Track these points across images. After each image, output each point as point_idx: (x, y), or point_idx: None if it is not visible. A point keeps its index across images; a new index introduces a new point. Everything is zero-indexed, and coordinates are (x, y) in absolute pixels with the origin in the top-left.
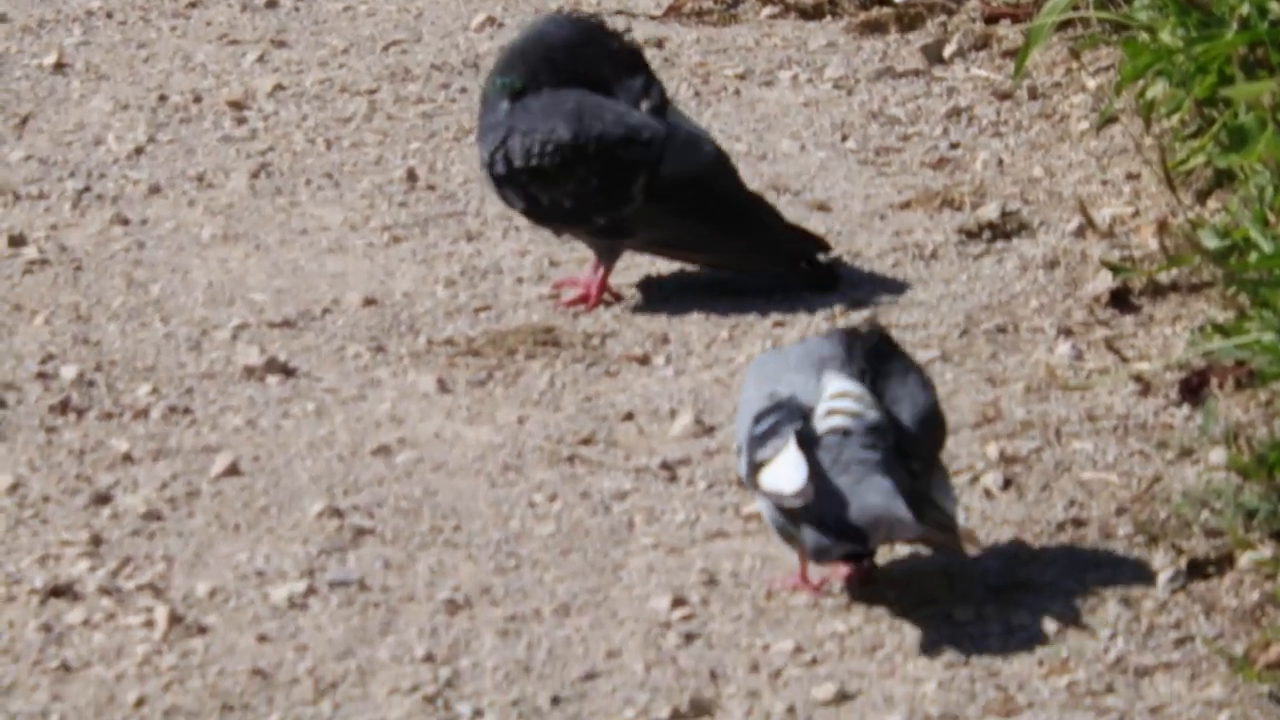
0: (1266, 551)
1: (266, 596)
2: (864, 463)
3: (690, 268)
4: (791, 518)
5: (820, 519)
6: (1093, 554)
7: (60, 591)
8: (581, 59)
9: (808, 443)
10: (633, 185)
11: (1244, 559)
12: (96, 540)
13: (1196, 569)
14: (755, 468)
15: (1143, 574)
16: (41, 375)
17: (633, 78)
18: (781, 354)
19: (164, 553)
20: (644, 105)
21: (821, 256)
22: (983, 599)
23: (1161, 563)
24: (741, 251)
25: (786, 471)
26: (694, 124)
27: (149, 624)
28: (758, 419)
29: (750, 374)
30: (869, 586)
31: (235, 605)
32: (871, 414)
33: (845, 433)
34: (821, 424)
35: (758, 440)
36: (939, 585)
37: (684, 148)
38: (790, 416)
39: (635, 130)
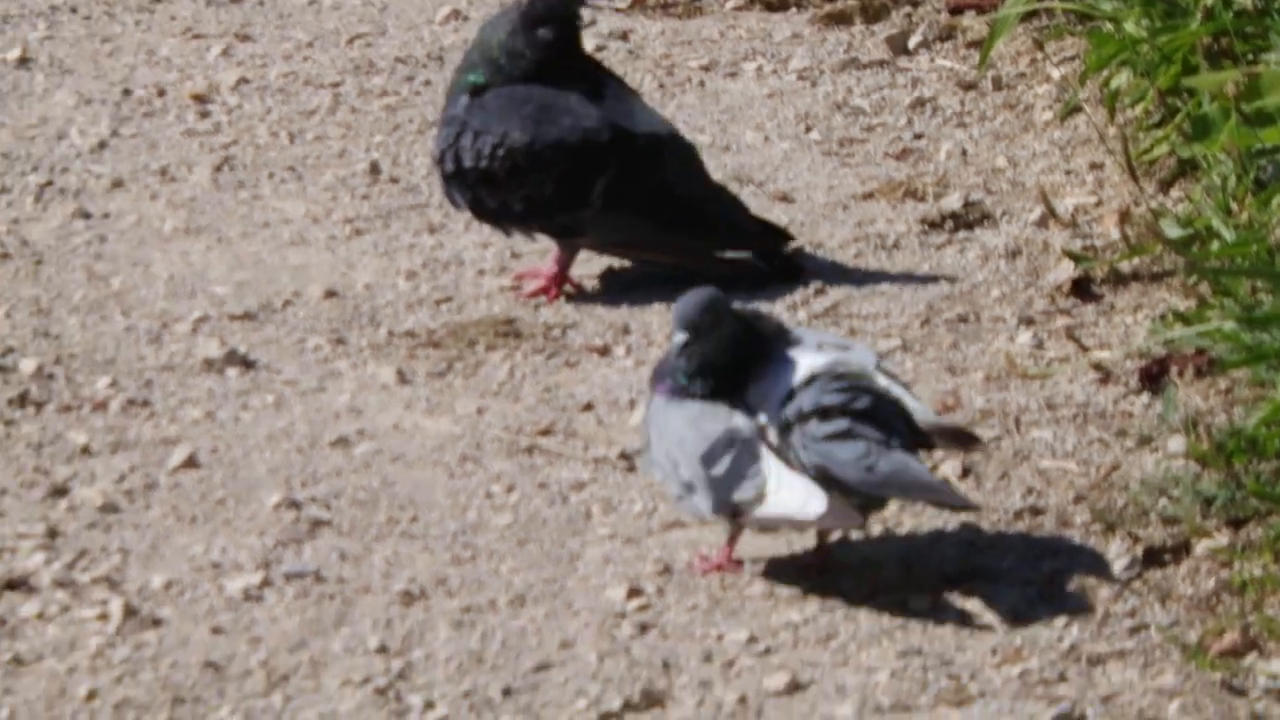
0: (1223, 539)
1: (222, 589)
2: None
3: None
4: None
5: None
6: (1050, 542)
7: (15, 585)
8: (542, 53)
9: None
10: (591, 191)
11: (1200, 547)
12: (53, 533)
13: (1153, 557)
14: (731, 503)
15: (1099, 562)
16: (0, 368)
17: (593, 71)
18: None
19: (120, 545)
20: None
21: (785, 248)
22: (938, 587)
23: (1118, 551)
24: (703, 250)
25: (796, 497)
26: (658, 118)
27: (103, 617)
28: (708, 458)
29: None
30: (826, 575)
31: (190, 598)
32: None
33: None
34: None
35: (724, 480)
36: (895, 574)
37: (645, 150)
38: (750, 445)
39: (593, 135)
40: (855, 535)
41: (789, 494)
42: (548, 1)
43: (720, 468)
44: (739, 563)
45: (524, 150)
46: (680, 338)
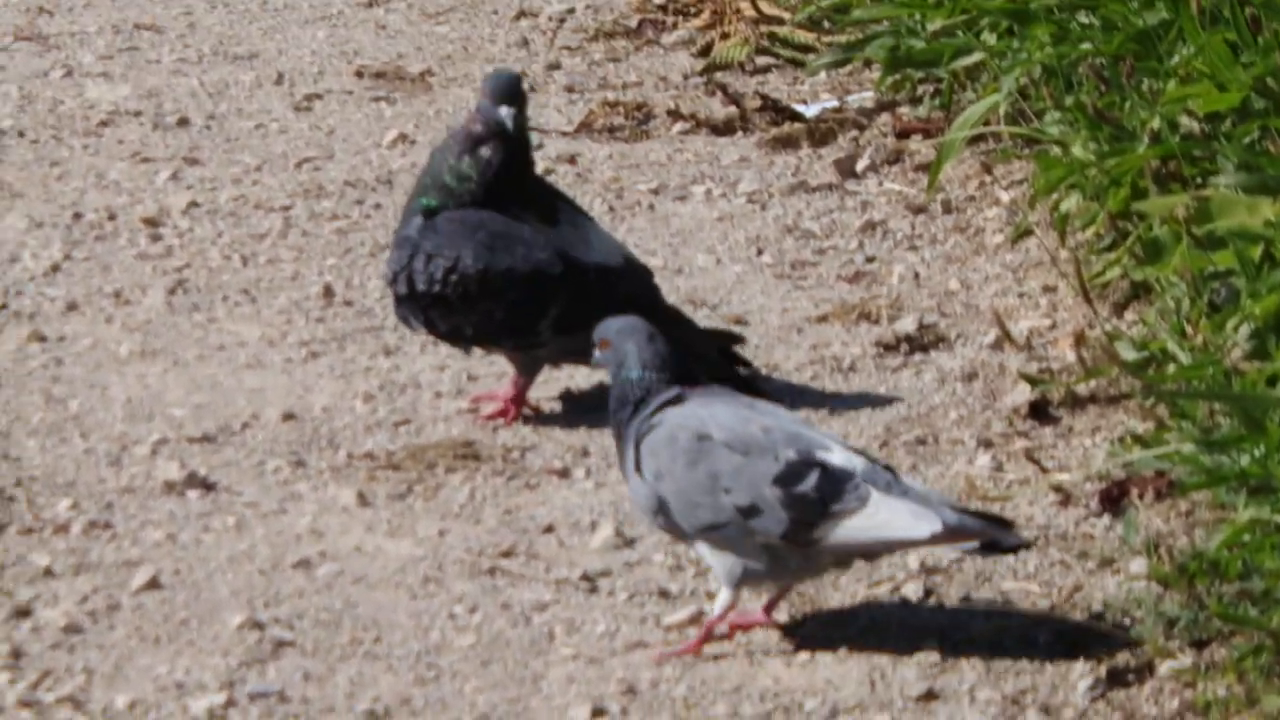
0: (1186, 660)
1: (186, 709)
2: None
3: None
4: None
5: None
6: (1013, 663)
7: None
8: (488, 174)
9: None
10: (540, 322)
11: (1164, 668)
12: (16, 654)
13: (1116, 677)
14: (808, 524)
15: (1063, 683)
16: None
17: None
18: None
19: (84, 665)
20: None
21: (741, 370)
22: (902, 707)
23: (1081, 672)
24: None
25: (904, 520)
26: (612, 243)
27: None
28: (788, 480)
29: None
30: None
31: (155, 717)
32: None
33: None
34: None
35: (808, 498)
36: (857, 693)
37: (596, 281)
38: (843, 474)
39: (544, 267)
40: (821, 654)
41: (894, 514)
42: (488, 123)
43: (804, 486)
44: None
45: (476, 277)
46: None
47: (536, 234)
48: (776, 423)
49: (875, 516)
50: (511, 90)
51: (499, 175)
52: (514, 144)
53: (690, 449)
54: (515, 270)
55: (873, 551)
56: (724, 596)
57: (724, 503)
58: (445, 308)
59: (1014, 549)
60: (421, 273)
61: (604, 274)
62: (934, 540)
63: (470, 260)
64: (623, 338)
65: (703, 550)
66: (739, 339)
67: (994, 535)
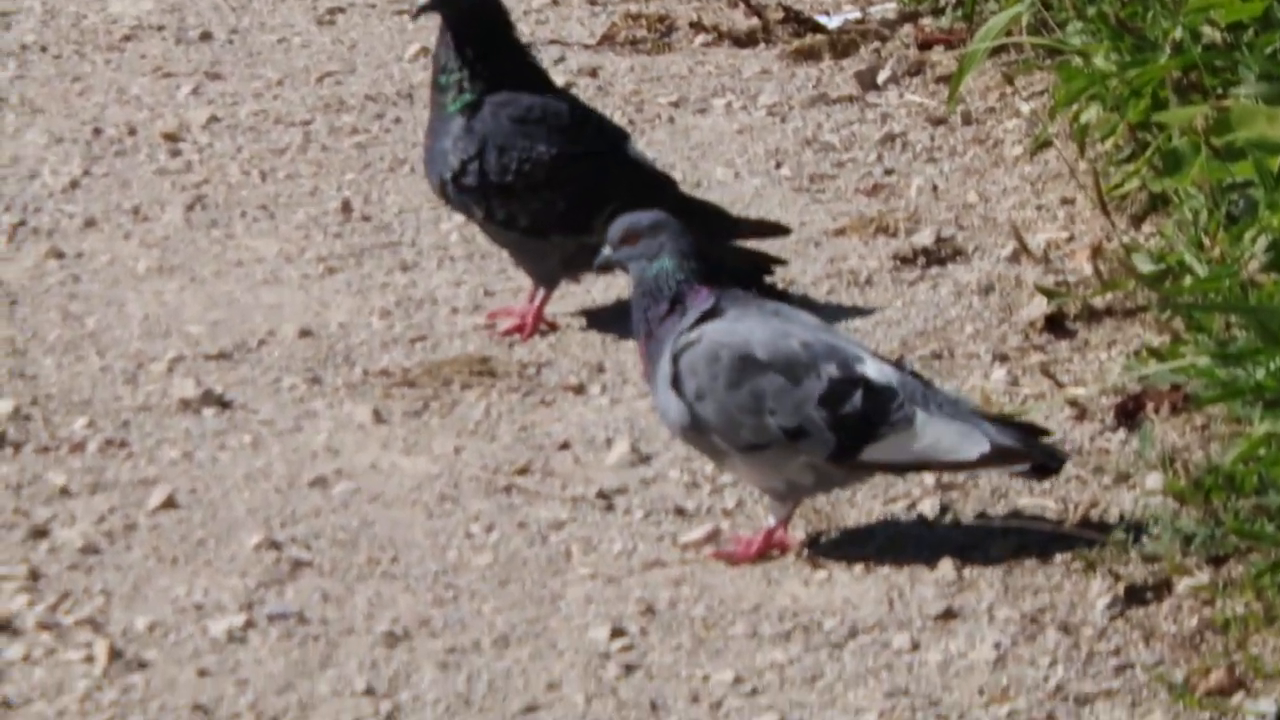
0: (1204, 577)
1: (205, 630)
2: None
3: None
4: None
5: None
6: (1030, 580)
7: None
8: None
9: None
10: (596, 215)
11: (1182, 584)
12: (34, 575)
13: (1134, 595)
14: (856, 445)
15: (1081, 600)
16: None
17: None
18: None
19: (102, 587)
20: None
21: (766, 279)
22: (920, 626)
23: (1099, 589)
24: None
25: (951, 440)
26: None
27: (89, 659)
28: (833, 400)
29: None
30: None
31: (174, 640)
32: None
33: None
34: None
35: (854, 418)
36: (875, 613)
37: (651, 178)
38: (886, 391)
39: (610, 158)
40: (839, 573)
41: (941, 435)
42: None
43: (850, 406)
44: (789, 544)
45: (548, 164)
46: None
47: (589, 115)
48: (813, 335)
49: (922, 437)
50: None
51: (475, 56)
52: (460, 23)
53: (732, 368)
54: (583, 160)
55: (918, 470)
56: (777, 510)
57: (769, 424)
58: (507, 195)
59: (1060, 467)
60: (494, 164)
61: (655, 175)
62: (983, 462)
63: (544, 148)
64: (655, 230)
65: (743, 467)
66: (780, 261)
67: (1041, 457)
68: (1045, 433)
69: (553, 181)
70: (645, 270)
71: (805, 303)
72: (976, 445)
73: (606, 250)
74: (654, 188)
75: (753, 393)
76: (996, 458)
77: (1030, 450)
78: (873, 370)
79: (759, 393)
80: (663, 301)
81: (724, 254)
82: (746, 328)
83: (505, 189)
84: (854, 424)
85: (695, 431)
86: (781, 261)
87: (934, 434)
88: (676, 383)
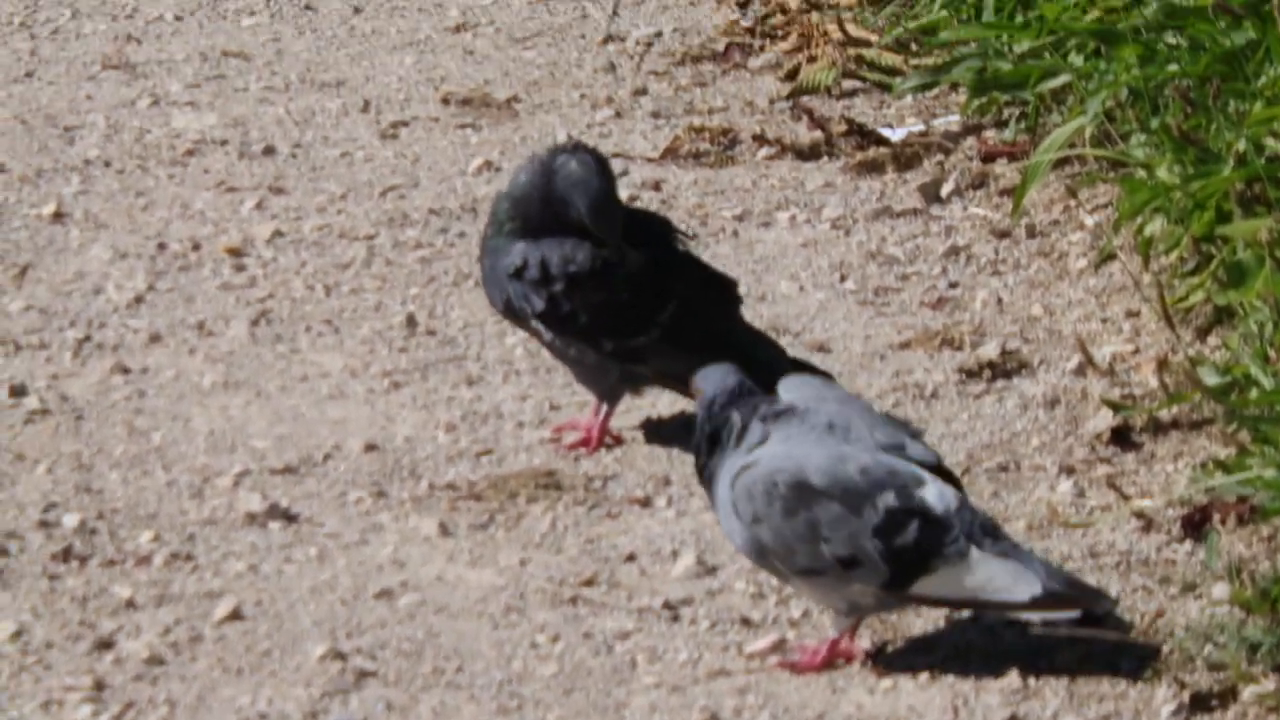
0: (1270, 685)
1: None
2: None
3: (691, 406)
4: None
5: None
6: (1095, 688)
7: None
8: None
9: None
10: (657, 314)
11: (1247, 693)
12: (99, 685)
13: (1200, 703)
14: (908, 578)
15: (1146, 708)
16: (44, 524)
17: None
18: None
19: (167, 697)
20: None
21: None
22: None
23: (1164, 697)
24: None
25: (1003, 581)
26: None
27: None
28: (888, 531)
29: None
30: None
31: None
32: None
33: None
34: (943, 500)
35: (908, 551)
36: None
37: (710, 283)
38: (942, 523)
39: (666, 260)
40: (904, 681)
41: (994, 574)
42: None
43: (904, 539)
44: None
45: (612, 257)
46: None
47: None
48: (871, 459)
49: (975, 575)
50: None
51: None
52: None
53: (788, 496)
54: (643, 260)
55: (970, 608)
56: (841, 622)
57: (823, 551)
58: (571, 285)
59: (1106, 616)
60: (557, 258)
61: (714, 278)
62: (1033, 604)
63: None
64: (709, 380)
65: (804, 589)
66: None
67: (1091, 604)
68: (1099, 593)
69: (615, 272)
70: (701, 424)
71: None
72: (1029, 587)
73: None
74: (714, 287)
75: (808, 521)
76: (1048, 600)
77: (1082, 596)
78: (932, 496)
79: (814, 521)
80: (717, 444)
81: (779, 363)
82: (803, 451)
83: (570, 278)
84: (907, 556)
85: (758, 555)
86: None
87: (987, 572)
88: (735, 508)
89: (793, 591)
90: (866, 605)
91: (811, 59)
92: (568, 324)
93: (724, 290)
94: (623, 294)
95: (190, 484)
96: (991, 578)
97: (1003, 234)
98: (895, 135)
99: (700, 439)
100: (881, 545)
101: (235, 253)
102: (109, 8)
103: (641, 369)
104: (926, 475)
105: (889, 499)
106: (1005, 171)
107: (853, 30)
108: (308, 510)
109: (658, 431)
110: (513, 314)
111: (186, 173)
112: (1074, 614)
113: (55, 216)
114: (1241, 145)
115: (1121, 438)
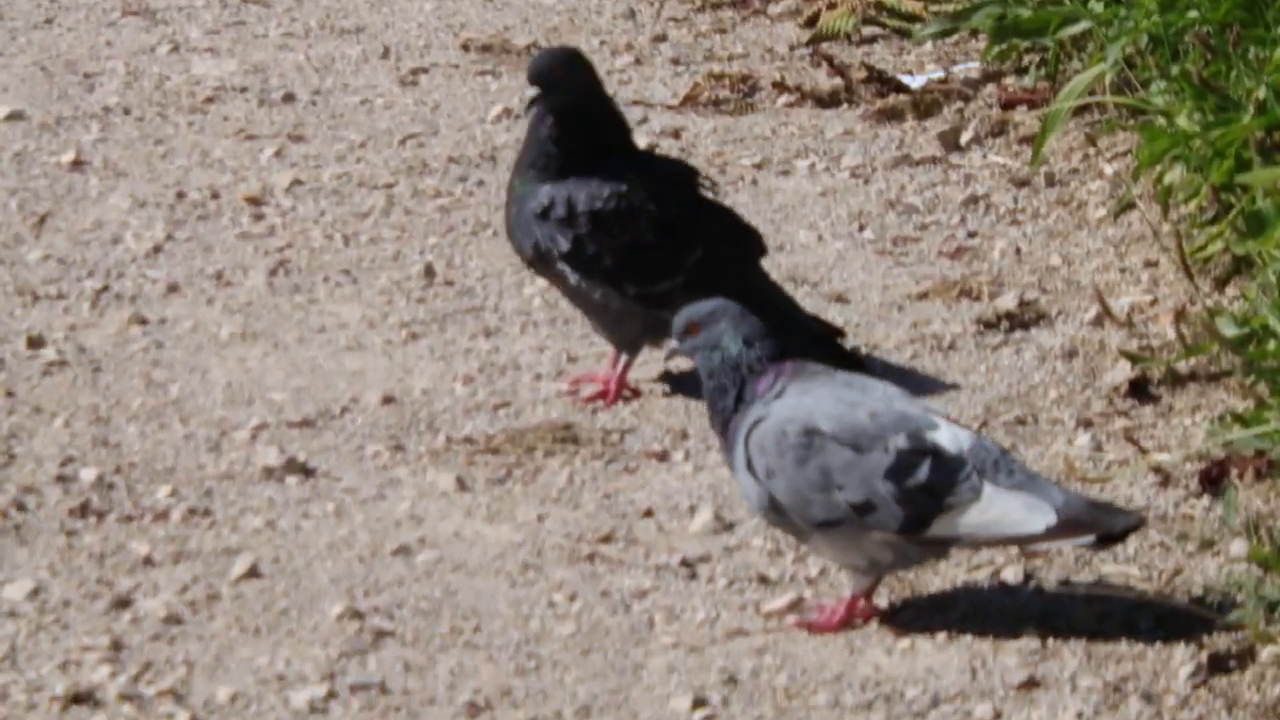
0: None
1: (287, 701)
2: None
3: None
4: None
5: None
6: (1114, 649)
7: (81, 698)
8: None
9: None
10: (685, 258)
11: (1265, 653)
12: (117, 645)
13: (1218, 663)
14: (924, 520)
15: (1164, 669)
16: (61, 478)
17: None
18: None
19: (185, 657)
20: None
21: (847, 344)
22: (1003, 695)
23: (1182, 658)
24: None
25: (1018, 514)
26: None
27: None
28: (900, 472)
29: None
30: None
31: (256, 710)
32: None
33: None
34: (956, 441)
35: (922, 492)
36: (958, 682)
37: (731, 233)
38: (954, 461)
39: (697, 206)
40: (921, 642)
41: (1008, 508)
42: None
43: (916, 479)
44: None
45: (640, 198)
46: None
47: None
48: (883, 405)
49: (989, 510)
50: (534, 72)
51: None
52: (565, 118)
53: (799, 444)
54: (674, 199)
55: (988, 544)
56: (859, 581)
57: (837, 499)
58: (597, 224)
59: (1126, 532)
60: (584, 196)
61: (742, 227)
62: (1049, 534)
63: (637, 187)
64: (714, 318)
65: (822, 545)
66: (842, 334)
67: (1108, 524)
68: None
69: (642, 212)
70: (710, 359)
71: (886, 369)
72: (1043, 517)
73: (672, 343)
74: (739, 236)
75: (820, 468)
76: (1063, 528)
77: (1098, 518)
78: (945, 438)
79: (826, 467)
80: (730, 390)
81: (794, 324)
82: (813, 400)
83: (595, 216)
84: (921, 497)
85: (774, 512)
86: (842, 333)
87: (1002, 506)
88: (750, 464)
89: (810, 550)
90: (885, 560)
91: (831, 5)
92: (593, 266)
93: (750, 240)
94: (648, 236)
95: (208, 437)
96: (1007, 512)
97: (1022, 183)
98: (915, 82)
99: (724, 385)
100: (894, 487)
101: (254, 201)
102: None
103: (666, 314)
104: (939, 419)
105: (900, 441)
106: (1025, 119)
107: None
108: (325, 464)
109: (676, 384)
110: (540, 259)
111: (206, 120)
112: (1090, 538)
113: (74, 164)
114: (1262, 92)
115: (1139, 390)
